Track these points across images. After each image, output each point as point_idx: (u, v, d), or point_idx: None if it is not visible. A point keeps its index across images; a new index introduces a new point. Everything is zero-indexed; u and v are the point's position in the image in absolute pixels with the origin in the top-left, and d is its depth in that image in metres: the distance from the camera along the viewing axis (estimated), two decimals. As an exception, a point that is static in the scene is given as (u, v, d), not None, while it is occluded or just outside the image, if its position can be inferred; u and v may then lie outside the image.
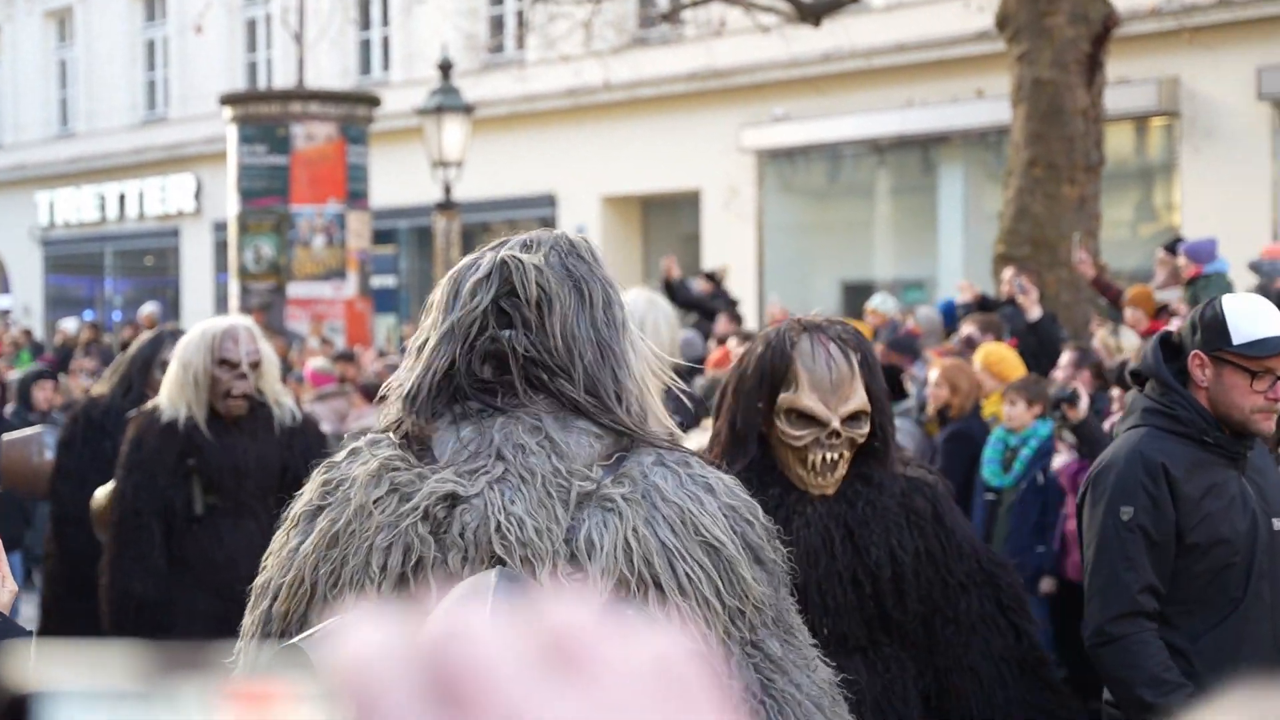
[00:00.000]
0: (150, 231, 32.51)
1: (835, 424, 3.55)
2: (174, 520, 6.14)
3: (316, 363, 12.88)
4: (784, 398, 3.58)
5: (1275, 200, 18.62)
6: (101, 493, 6.46)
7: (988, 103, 19.68)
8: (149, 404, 6.36)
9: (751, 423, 3.63)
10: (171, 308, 30.74)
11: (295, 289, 17.76)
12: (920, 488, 3.70)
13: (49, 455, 7.49)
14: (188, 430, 6.12)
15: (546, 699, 0.61)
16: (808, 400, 3.56)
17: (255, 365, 6.22)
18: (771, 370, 3.61)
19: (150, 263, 33.52)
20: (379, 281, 23.67)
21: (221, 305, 25.73)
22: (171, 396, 6.18)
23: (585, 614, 0.65)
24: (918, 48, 21.18)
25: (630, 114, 24.33)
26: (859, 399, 3.59)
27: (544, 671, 0.63)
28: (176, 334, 7.21)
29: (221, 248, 25.12)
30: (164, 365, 6.77)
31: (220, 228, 25.95)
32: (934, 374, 9.05)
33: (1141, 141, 20.69)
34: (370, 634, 0.64)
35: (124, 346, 19.04)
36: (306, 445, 6.31)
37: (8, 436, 8.09)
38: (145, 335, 7.51)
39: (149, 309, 19.23)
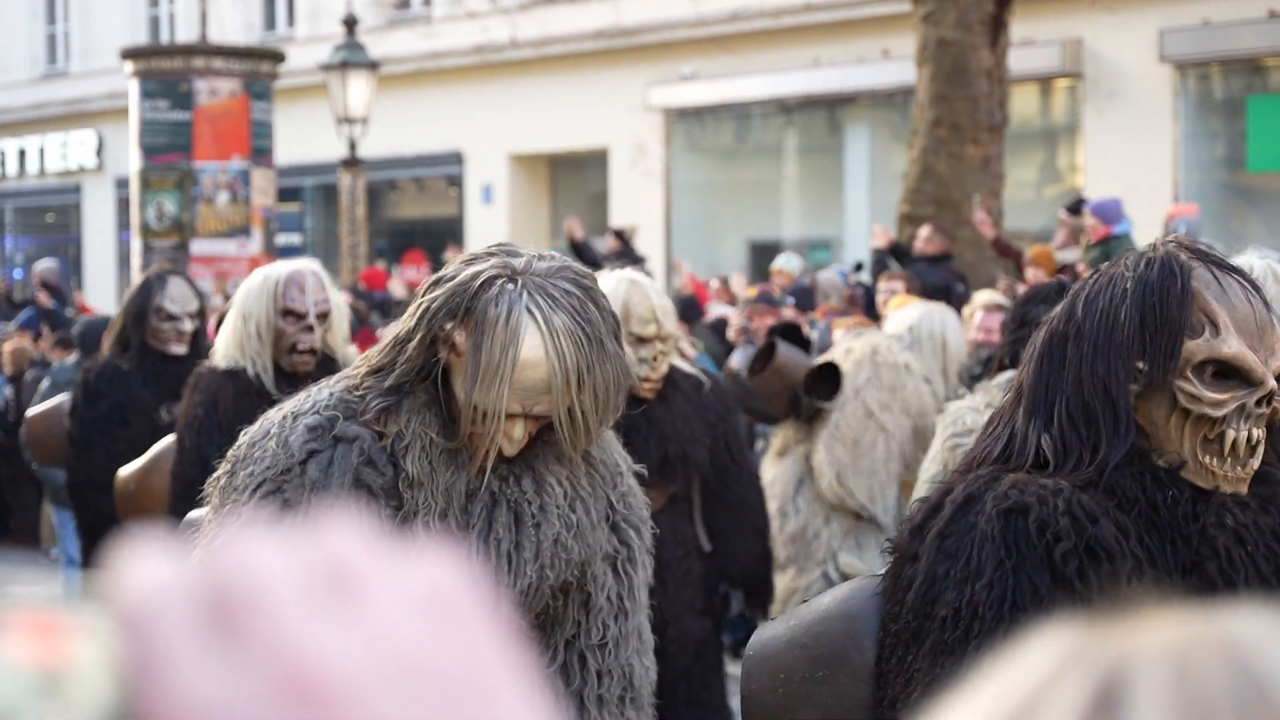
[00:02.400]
0: (51, 188, 32.07)
1: (1271, 383, 2.38)
2: None
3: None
4: (1195, 346, 2.38)
5: (1176, 161, 18.83)
6: (126, 472, 5.65)
7: (894, 63, 19.76)
8: (209, 361, 5.54)
9: (1127, 392, 2.40)
10: (73, 265, 30.36)
11: (199, 246, 17.57)
12: None
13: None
14: (263, 389, 5.25)
15: (321, 626, 0.62)
16: (1234, 346, 2.38)
17: (323, 316, 5.52)
18: (1164, 310, 2.39)
19: (51, 220, 33.07)
20: (284, 239, 23.48)
21: (124, 263, 25.46)
22: (230, 353, 5.41)
23: (360, 542, 0.65)
24: (824, 7, 21.22)
25: (538, 72, 24.23)
26: None
27: (319, 599, 0.63)
28: (165, 277, 6.63)
29: (124, 205, 24.81)
30: (159, 312, 6.42)
31: (122, 184, 25.64)
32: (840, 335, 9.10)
33: (1045, 102, 20.85)
34: (152, 565, 0.64)
35: (10, 301, 18.81)
36: None
37: (32, 410, 7.74)
38: (135, 284, 6.84)
39: (44, 264, 18.94)
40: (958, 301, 10.95)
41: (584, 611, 3.04)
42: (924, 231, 12.13)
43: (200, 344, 6.54)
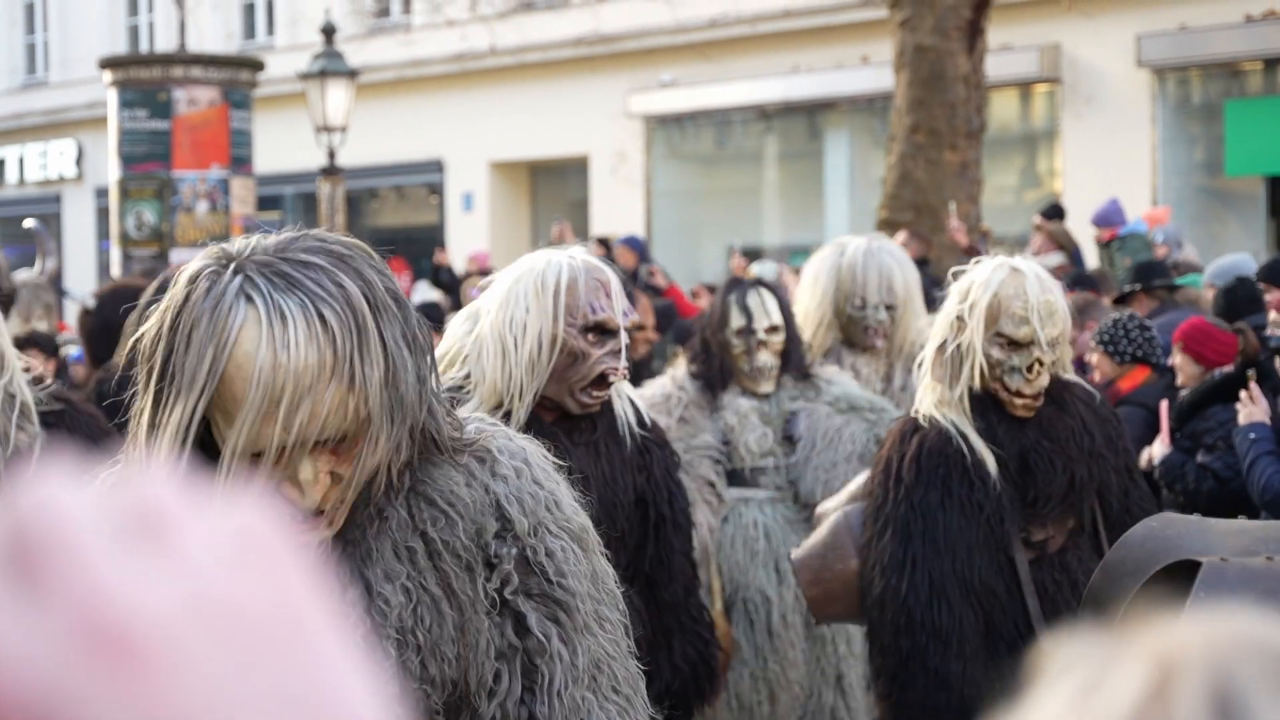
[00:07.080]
0: (31, 198, 31.96)
1: None
2: None
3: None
4: None
5: (1154, 166, 18.87)
6: None
7: (873, 69, 19.79)
8: None
9: None
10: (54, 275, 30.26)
11: (178, 255, 17.52)
12: None
13: None
14: None
15: (126, 569, 0.60)
16: None
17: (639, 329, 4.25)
18: None
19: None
20: (264, 248, 23.41)
21: (104, 273, 25.38)
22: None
23: (166, 486, 0.63)
24: (803, 14, 21.23)
25: (517, 79, 24.22)
26: None
27: (124, 542, 0.60)
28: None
29: (104, 214, 24.76)
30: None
31: (102, 194, 25.59)
32: None
33: (1024, 108, 20.89)
34: None
35: None
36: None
37: None
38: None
39: (25, 275, 18.88)
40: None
41: None
42: (900, 237, 12.13)
43: None
